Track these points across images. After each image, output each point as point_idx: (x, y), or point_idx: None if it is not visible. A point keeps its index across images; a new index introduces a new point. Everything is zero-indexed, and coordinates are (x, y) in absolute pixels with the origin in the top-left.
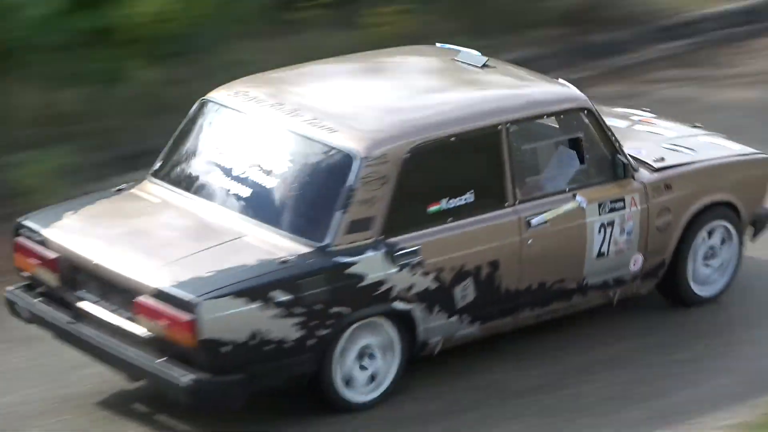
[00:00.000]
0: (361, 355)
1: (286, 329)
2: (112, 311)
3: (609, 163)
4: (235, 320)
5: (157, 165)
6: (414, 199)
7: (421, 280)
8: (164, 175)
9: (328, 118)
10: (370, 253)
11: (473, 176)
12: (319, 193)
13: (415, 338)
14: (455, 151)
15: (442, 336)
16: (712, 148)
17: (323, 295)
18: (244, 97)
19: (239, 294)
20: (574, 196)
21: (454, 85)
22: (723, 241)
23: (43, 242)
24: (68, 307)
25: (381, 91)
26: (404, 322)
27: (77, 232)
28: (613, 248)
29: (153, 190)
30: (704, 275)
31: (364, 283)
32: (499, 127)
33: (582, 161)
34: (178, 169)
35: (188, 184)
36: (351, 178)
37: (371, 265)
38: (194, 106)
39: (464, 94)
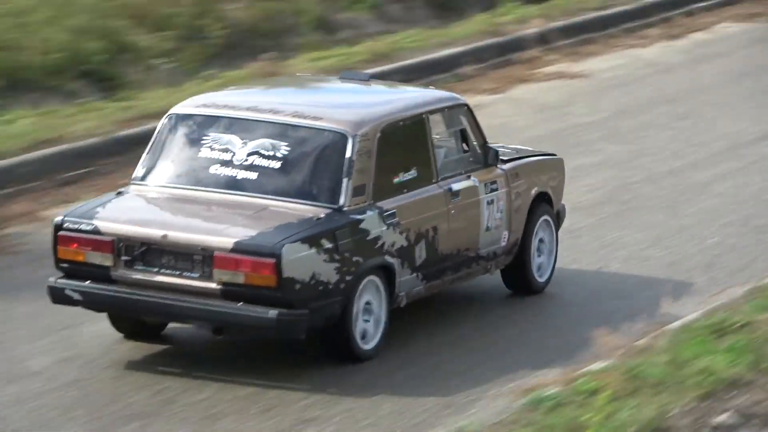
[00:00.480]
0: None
1: (330, 272)
2: (178, 275)
3: (483, 152)
4: (302, 263)
5: (141, 172)
6: (386, 171)
7: (399, 238)
8: (154, 178)
9: (308, 111)
10: (369, 213)
11: (415, 156)
12: (326, 166)
13: (393, 291)
14: (404, 134)
15: (406, 291)
16: (522, 150)
17: (349, 245)
18: (216, 106)
19: (303, 241)
20: (469, 176)
21: (370, 91)
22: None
23: (96, 230)
24: (123, 282)
25: (326, 95)
26: (388, 276)
27: (126, 219)
28: (493, 224)
29: (150, 190)
30: (538, 263)
31: (369, 237)
32: (423, 116)
33: (468, 149)
34: (168, 171)
35: (185, 180)
36: (349, 152)
37: (372, 223)
38: (163, 120)
39: (383, 96)
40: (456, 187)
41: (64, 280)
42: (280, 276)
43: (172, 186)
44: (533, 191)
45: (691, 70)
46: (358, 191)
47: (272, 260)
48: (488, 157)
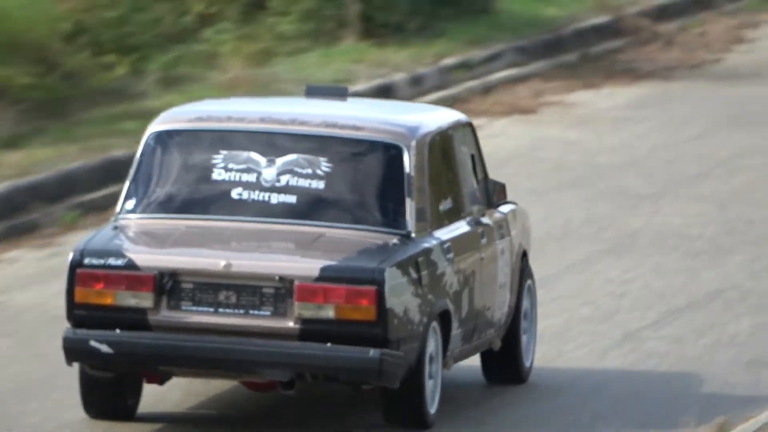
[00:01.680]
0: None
1: (414, 309)
2: (242, 314)
3: (484, 186)
4: (399, 292)
5: (130, 204)
6: (435, 194)
7: (454, 279)
8: (152, 209)
9: (341, 121)
10: (434, 242)
11: (450, 181)
12: (383, 184)
13: (447, 345)
14: (442, 152)
15: (452, 350)
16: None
17: (426, 278)
18: (217, 119)
19: (398, 266)
20: (484, 214)
21: (367, 105)
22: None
23: (131, 264)
24: (166, 328)
25: (302, 113)
26: (444, 325)
27: (166, 247)
28: (503, 279)
29: (152, 222)
30: (524, 342)
31: (438, 272)
32: (450, 132)
33: (478, 180)
34: (172, 198)
35: (201, 208)
36: (407, 166)
37: (438, 255)
38: (146, 140)
39: (398, 107)
40: (482, 225)
41: (86, 330)
42: (382, 307)
43: (184, 217)
44: (517, 246)
45: None
46: (420, 215)
47: (373, 287)
48: (491, 194)
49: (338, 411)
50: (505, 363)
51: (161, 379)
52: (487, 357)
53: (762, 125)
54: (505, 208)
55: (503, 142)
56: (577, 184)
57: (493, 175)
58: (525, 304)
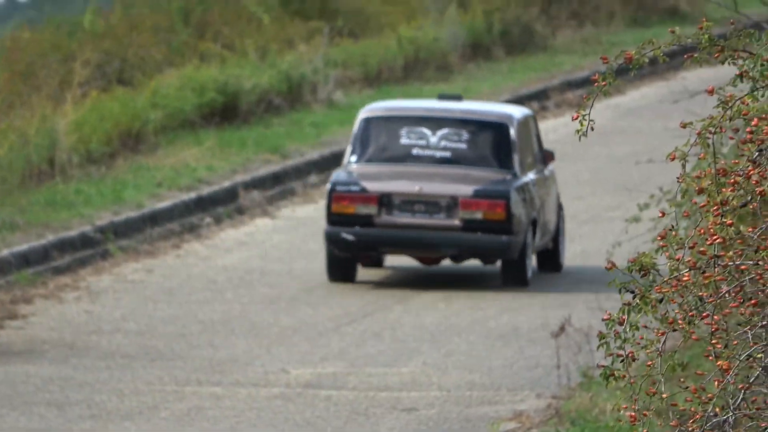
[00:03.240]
0: None
1: (522, 214)
2: (428, 217)
3: (542, 153)
4: (517, 204)
5: (354, 157)
6: (524, 153)
7: (537, 201)
8: (368, 159)
9: (472, 109)
10: (527, 179)
11: (530, 146)
12: (499, 145)
13: (534, 240)
14: (527, 128)
15: (536, 241)
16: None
17: (527, 197)
18: (401, 109)
19: (516, 189)
20: (544, 168)
21: (476, 102)
22: None
23: (364, 190)
24: (385, 226)
25: (447, 106)
26: (533, 227)
27: (382, 180)
28: (552, 207)
29: (370, 166)
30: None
31: (531, 195)
32: (531, 117)
33: (539, 148)
34: (379, 153)
35: (397, 159)
36: (513, 135)
37: (530, 186)
38: (359, 122)
39: (496, 104)
40: (547, 173)
41: (337, 227)
42: (509, 212)
43: (388, 163)
44: (556, 189)
45: None
46: (520, 163)
47: (504, 200)
48: (545, 157)
49: None
50: (552, 258)
51: (376, 262)
52: (542, 255)
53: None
54: (550, 167)
55: None
56: None
57: None
58: (560, 224)
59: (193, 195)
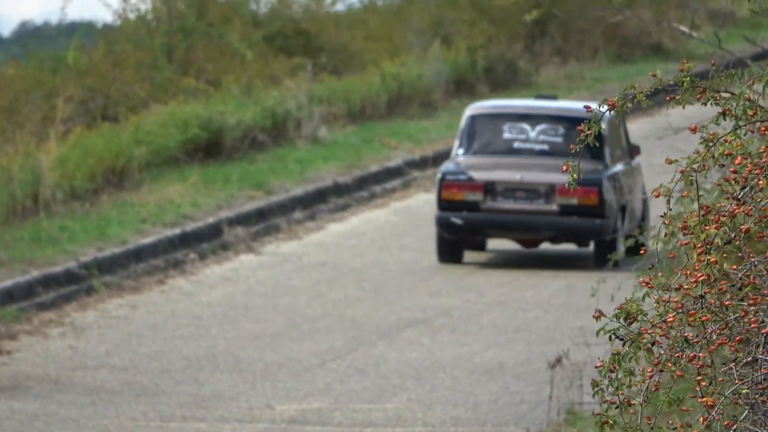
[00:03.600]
0: None
1: (613, 200)
2: (528, 203)
3: (629, 147)
4: (608, 190)
5: (461, 150)
6: (613, 146)
7: (626, 190)
8: (474, 152)
9: (566, 107)
10: (617, 170)
11: (619, 139)
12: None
13: (623, 225)
14: (614, 124)
15: (624, 225)
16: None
17: (617, 185)
18: (503, 107)
19: (607, 178)
20: (632, 161)
21: (568, 101)
22: None
23: (471, 179)
24: (490, 211)
25: (544, 104)
26: (623, 214)
27: (487, 170)
28: (638, 196)
29: (476, 158)
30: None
31: (621, 184)
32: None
33: (626, 142)
34: (484, 147)
35: (500, 151)
36: (604, 130)
37: (620, 176)
38: (466, 119)
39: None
40: (634, 164)
41: (447, 213)
42: (602, 198)
43: (492, 155)
44: (642, 180)
45: None
46: (611, 155)
47: (597, 188)
48: (632, 151)
49: None
50: (636, 243)
51: (480, 245)
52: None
53: None
54: (637, 159)
55: None
56: None
57: None
58: (645, 212)
59: (177, 231)
